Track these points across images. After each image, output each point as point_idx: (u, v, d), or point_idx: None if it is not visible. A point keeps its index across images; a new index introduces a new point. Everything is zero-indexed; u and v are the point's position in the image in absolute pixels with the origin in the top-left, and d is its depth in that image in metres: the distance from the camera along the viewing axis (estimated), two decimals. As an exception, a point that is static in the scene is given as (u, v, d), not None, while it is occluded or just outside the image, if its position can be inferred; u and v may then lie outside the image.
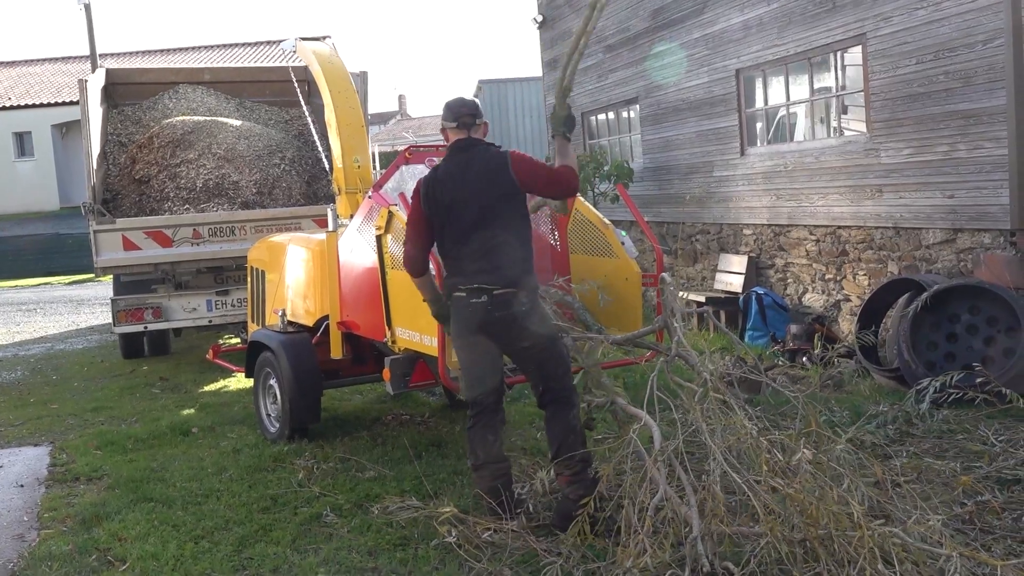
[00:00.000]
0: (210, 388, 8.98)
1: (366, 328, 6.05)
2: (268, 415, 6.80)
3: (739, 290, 10.35)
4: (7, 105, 31.21)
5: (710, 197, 11.26)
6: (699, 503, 3.76)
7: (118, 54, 33.84)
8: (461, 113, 4.79)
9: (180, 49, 35.39)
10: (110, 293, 10.32)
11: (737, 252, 10.88)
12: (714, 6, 10.76)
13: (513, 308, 4.54)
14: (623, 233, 5.68)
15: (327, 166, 8.82)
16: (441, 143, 5.30)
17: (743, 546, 3.86)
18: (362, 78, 10.78)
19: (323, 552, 4.55)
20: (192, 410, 7.97)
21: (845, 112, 9.28)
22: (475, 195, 4.62)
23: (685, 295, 10.69)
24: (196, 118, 10.65)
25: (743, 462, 3.98)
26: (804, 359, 8.33)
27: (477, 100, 4.96)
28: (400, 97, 57.91)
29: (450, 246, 4.72)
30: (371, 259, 5.78)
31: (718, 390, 4.21)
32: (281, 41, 8.94)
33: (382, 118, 52.81)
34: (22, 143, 31.46)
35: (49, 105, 30.87)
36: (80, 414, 8.08)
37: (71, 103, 27.20)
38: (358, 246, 6.02)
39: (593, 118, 14.79)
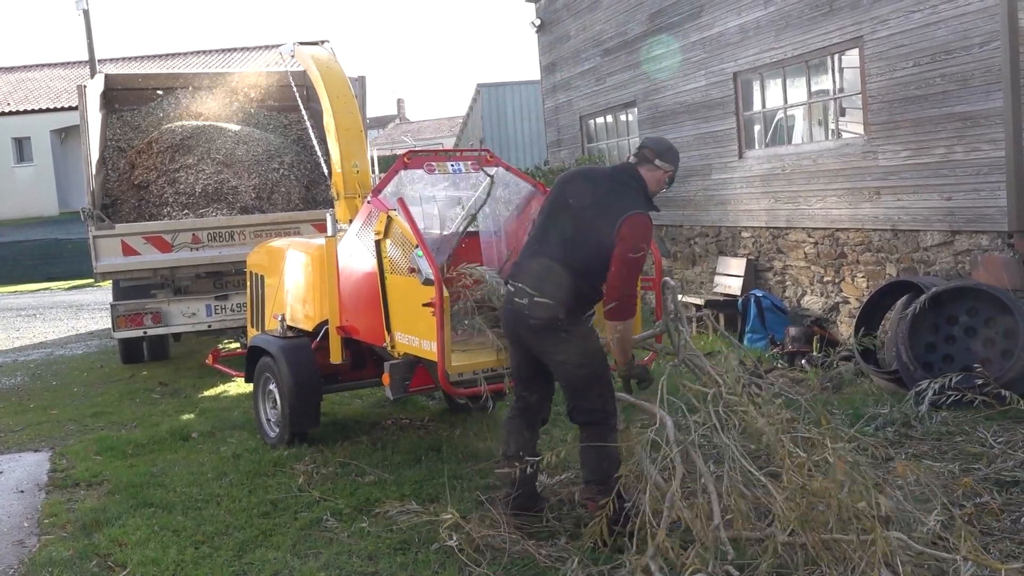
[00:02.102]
0: (210, 393, 8.98)
1: (365, 333, 6.06)
2: (268, 420, 6.80)
3: (738, 293, 10.36)
4: (6, 110, 31.24)
5: (708, 200, 11.28)
6: (721, 504, 3.75)
7: (117, 59, 33.89)
8: (646, 144, 4.62)
9: (179, 54, 35.41)
10: (109, 298, 10.33)
11: (736, 255, 10.90)
12: (711, 9, 10.79)
13: (548, 319, 4.42)
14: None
15: (326, 171, 8.82)
16: (440, 148, 5.33)
17: (747, 549, 3.86)
18: (361, 82, 10.80)
19: (323, 557, 4.56)
20: (192, 415, 7.98)
21: (843, 114, 9.30)
22: (585, 209, 4.46)
23: (681, 298, 10.71)
24: (195, 123, 10.65)
25: (760, 462, 3.97)
26: (803, 361, 8.34)
27: (671, 145, 4.70)
28: (399, 101, 57.90)
29: (533, 240, 4.66)
30: (370, 264, 5.79)
31: (733, 391, 4.19)
32: (280, 46, 8.94)
33: (381, 122, 52.90)
34: (21, 148, 31.48)
35: (48, 110, 30.91)
36: (80, 419, 8.08)
37: (70, 108, 27.20)
38: (357, 251, 6.03)
39: (591, 121, 14.80)
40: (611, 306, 4.33)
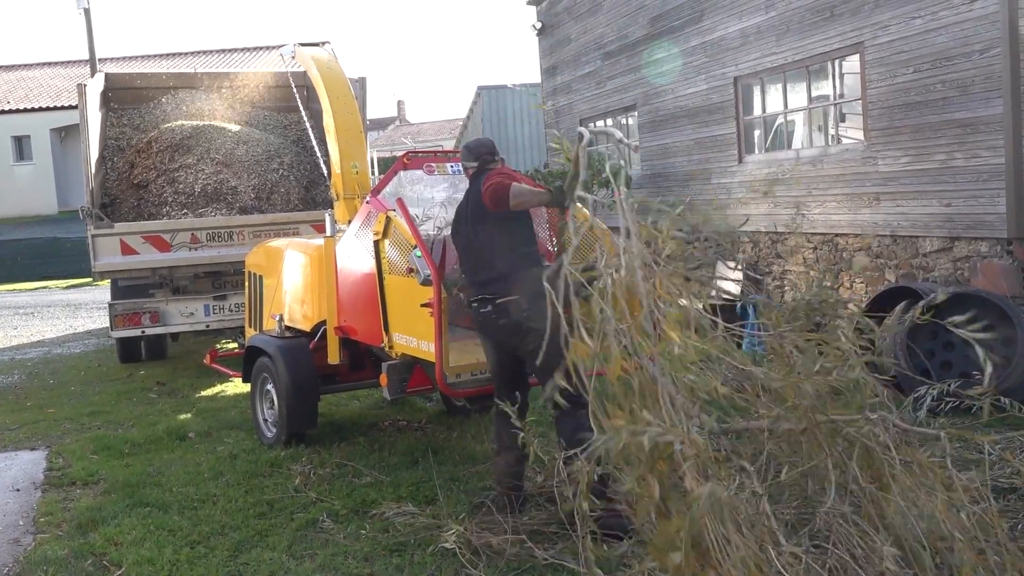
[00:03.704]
0: (207, 393, 8.97)
1: (363, 333, 6.05)
2: (265, 420, 6.79)
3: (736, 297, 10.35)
4: (6, 109, 31.24)
5: (708, 204, 11.27)
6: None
7: (117, 58, 33.88)
8: (480, 151, 5.09)
9: (179, 54, 35.43)
10: (107, 297, 10.32)
11: (735, 259, 10.89)
12: (712, 14, 10.80)
13: (513, 314, 4.66)
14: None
15: (325, 171, 8.82)
16: (439, 149, 5.41)
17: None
18: (361, 84, 10.80)
19: (319, 558, 4.54)
20: (189, 415, 7.97)
21: (843, 120, 9.30)
22: (467, 215, 4.93)
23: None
24: (195, 123, 10.65)
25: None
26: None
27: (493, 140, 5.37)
28: (399, 103, 57.88)
29: (462, 266, 5.09)
30: (369, 264, 5.78)
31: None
32: (281, 46, 8.94)
33: (381, 124, 52.90)
34: (21, 147, 31.48)
35: (48, 109, 30.91)
36: (77, 418, 8.07)
37: (70, 107, 27.20)
38: (356, 251, 6.03)
39: (591, 125, 14.81)
40: (490, 199, 4.67)
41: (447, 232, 6.44)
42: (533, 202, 4.78)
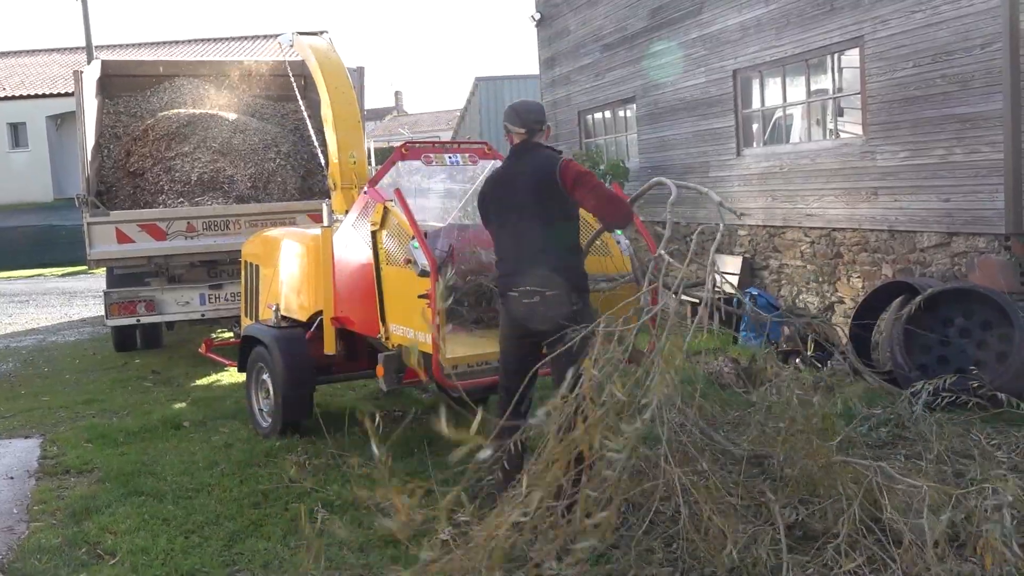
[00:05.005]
0: (202, 382, 8.96)
1: (360, 324, 6.03)
2: (260, 410, 6.78)
3: (733, 291, 10.34)
4: (2, 95, 31.09)
5: (705, 197, 11.25)
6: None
7: (114, 46, 33.72)
8: (528, 119, 4.74)
9: (176, 42, 35.26)
10: (103, 285, 10.29)
11: (732, 253, 10.89)
12: (712, 6, 10.76)
13: (562, 307, 4.49)
14: (619, 232, 5.69)
15: (323, 161, 8.80)
16: (436, 140, 5.38)
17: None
18: (359, 73, 10.77)
19: (314, 548, 4.53)
20: (184, 404, 7.95)
21: (841, 114, 9.29)
22: (523, 195, 4.63)
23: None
24: (191, 111, 10.61)
25: None
26: (797, 360, 8.33)
27: (542, 104, 5.10)
28: (396, 93, 57.85)
29: (502, 246, 4.80)
30: (366, 255, 5.77)
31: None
32: (278, 35, 8.91)
33: (378, 114, 52.80)
34: (16, 134, 31.34)
35: (44, 96, 30.74)
36: (71, 406, 8.05)
37: (66, 94, 27.04)
38: (353, 242, 6.01)
39: (589, 117, 14.78)
40: (616, 220, 4.66)
41: (444, 224, 6.43)
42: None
